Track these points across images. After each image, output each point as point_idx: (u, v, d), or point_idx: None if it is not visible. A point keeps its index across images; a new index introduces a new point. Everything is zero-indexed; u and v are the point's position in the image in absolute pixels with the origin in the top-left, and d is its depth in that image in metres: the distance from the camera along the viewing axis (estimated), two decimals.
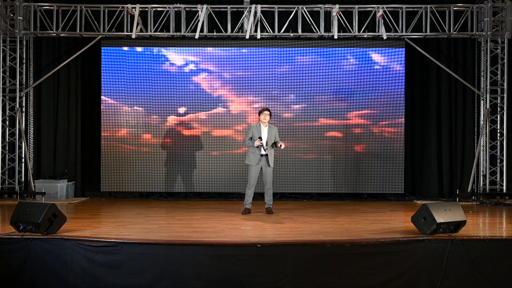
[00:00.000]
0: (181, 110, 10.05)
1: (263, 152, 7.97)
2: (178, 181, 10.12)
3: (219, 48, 10.05)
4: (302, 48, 10.04)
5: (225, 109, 10.09)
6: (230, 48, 10.05)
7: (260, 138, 7.93)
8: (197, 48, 10.05)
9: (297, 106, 10.04)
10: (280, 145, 7.97)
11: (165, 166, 10.12)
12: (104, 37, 9.89)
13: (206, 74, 10.03)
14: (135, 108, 9.98)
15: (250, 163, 8.08)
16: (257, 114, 8.29)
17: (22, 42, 9.86)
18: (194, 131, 10.09)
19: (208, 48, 10.05)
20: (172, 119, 10.08)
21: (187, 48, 10.04)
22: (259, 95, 10.08)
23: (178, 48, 10.04)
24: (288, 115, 10.06)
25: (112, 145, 10.11)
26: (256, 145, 7.95)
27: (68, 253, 5.81)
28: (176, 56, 10.01)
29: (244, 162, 8.49)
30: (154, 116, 10.04)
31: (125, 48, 10.02)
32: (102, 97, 10.04)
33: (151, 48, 10.02)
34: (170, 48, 10.03)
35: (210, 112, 10.03)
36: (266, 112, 8.06)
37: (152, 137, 10.07)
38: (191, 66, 10.00)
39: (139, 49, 10.01)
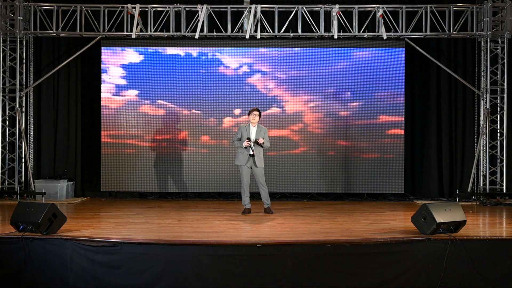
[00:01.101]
0: (237, 111, 10.06)
1: (251, 152, 7.98)
2: (178, 181, 10.12)
3: (273, 49, 10.03)
4: (358, 48, 10.03)
5: (280, 109, 10.08)
6: (282, 48, 10.03)
7: (249, 139, 7.95)
8: (250, 48, 10.03)
9: (355, 103, 10.05)
10: (258, 140, 7.94)
11: (165, 166, 10.13)
12: (104, 37, 9.89)
13: (260, 75, 10.04)
14: (193, 111, 10.04)
15: (239, 164, 8.09)
16: (247, 115, 8.29)
17: (22, 42, 9.86)
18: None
19: (261, 49, 10.04)
20: (227, 120, 10.11)
21: (240, 48, 10.05)
22: (314, 93, 10.05)
23: (231, 48, 10.05)
24: (345, 113, 10.06)
25: (112, 145, 10.10)
26: (244, 146, 7.96)
27: (68, 253, 5.81)
28: (230, 59, 10.06)
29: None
30: (212, 119, 10.06)
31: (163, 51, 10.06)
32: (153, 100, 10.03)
33: (205, 51, 10.07)
34: (223, 48, 10.07)
35: (265, 112, 9.97)
36: (255, 113, 8.07)
37: (210, 139, 10.10)
38: (245, 68, 10.04)
39: (193, 53, 10.05)
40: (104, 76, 10.07)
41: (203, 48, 10.07)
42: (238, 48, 10.08)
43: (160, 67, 10.08)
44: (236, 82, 10.10)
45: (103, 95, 10.07)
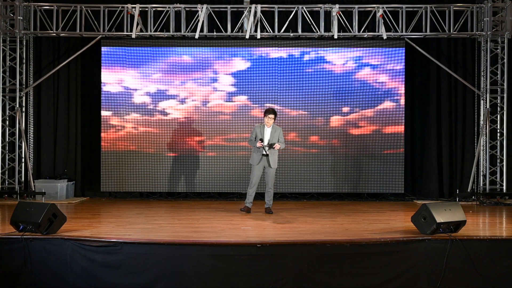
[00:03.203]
0: (345, 109, 9.99)
1: (264, 152, 8.02)
2: (178, 181, 10.12)
3: (382, 48, 9.91)
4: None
5: (395, 104, 9.95)
6: (394, 49, 9.93)
7: (261, 140, 7.98)
8: (354, 48, 9.97)
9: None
10: (274, 146, 7.99)
11: (165, 166, 10.12)
12: (104, 37, 9.89)
13: (370, 68, 9.93)
14: (300, 111, 9.93)
15: (252, 163, 8.16)
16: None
17: (22, 42, 9.86)
18: (361, 129, 9.99)
19: (369, 48, 9.96)
20: (335, 119, 10.02)
21: (344, 48, 9.98)
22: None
23: (335, 48, 9.99)
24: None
25: (112, 145, 10.10)
26: (257, 147, 7.98)
27: (68, 253, 5.81)
28: (334, 55, 9.98)
29: (248, 162, 8.49)
30: (320, 118, 9.99)
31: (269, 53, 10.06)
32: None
33: (307, 50, 10.00)
34: (329, 48, 10.01)
35: (376, 108, 9.90)
36: (270, 116, 8.07)
37: (319, 139, 10.02)
38: (351, 63, 9.94)
39: (296, 53, 10.01)
40: (216, 85, 10.09)
41: (304, 48, 10.01)
42: (342, 48, 9.99)
43: (265, 71, 10.08)
44: (344, 78, 9.99)
45: (103, 96, 10.09)
